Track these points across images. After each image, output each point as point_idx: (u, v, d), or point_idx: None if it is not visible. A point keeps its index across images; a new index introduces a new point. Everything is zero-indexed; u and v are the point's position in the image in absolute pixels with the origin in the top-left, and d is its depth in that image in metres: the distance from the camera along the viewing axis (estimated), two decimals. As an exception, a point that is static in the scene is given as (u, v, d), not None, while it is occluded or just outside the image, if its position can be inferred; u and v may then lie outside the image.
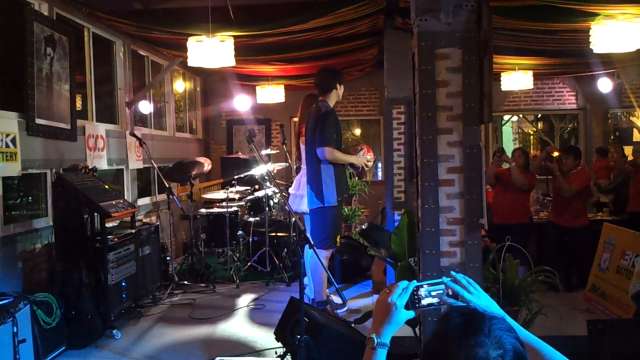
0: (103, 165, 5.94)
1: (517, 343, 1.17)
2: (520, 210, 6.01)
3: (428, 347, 1.23)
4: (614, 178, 7.33)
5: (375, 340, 1.43)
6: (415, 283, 1.47)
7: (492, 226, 5.80)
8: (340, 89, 5.14)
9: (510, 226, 5.67)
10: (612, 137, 10.43)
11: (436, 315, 2.85)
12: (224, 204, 6.98)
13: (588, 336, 3.40)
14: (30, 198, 5.26)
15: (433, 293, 1.46)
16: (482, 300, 1.43)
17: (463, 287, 1.46)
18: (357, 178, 7.88)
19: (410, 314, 1.45)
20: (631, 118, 12.17)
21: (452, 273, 1.50)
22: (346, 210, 7.60)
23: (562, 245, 5.89)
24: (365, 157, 5.24)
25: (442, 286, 1.47)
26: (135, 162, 6.80)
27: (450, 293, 1.46)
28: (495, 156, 6.23)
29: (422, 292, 1.46)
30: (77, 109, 5.63)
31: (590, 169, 7.53)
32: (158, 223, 6.38)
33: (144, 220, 6.44)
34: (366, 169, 5.38)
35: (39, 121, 4.78)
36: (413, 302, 1.45)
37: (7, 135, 4.39)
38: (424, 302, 1.46)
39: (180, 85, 9.14)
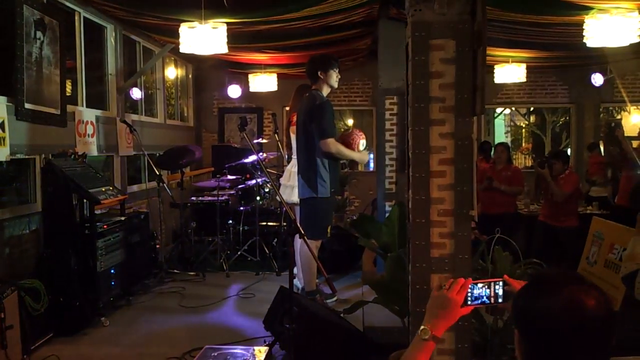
0: (93, 151, 5.88)
1: None
2: (506, 202, 6.27)
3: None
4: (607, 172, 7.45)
5: (429, 333, 1.47)
6: (472, 280, 1.53)
7: (478, 216, 5.94)
8: (328, 77, 4.91)
9: (496, 216, 5.84)
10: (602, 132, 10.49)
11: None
12: (214, 192, 6.95)
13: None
14: (18, 184, 5.21)
15: (486, 290, 1.53)
16: None
17: None
18: (348, 169, 7.89)
19: (464, 310, 1.51)
20: (622, 113, 12.23)
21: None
22: (337, 200, 7.59)
23: (551, 242, 6.00)
24: (366, 154, 5.20)
25: (499, 284, 1.53)
26: (126, 149, 6.75)
27: (501, 293, 1.52)
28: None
29: (477, 289, 1.53)
30: (67, 94, 5.56)
31: (584, 166, 7.65)
32: (148, 211, 6.35)
33: (134, 208, 6.40)
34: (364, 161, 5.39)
35: (28, 106, 4.72)
36: (465, 298, 1.52)
37: (-5, 120, 4.33)
38: (477, 299, 1.53)
39: (172, 72, 9.06)
